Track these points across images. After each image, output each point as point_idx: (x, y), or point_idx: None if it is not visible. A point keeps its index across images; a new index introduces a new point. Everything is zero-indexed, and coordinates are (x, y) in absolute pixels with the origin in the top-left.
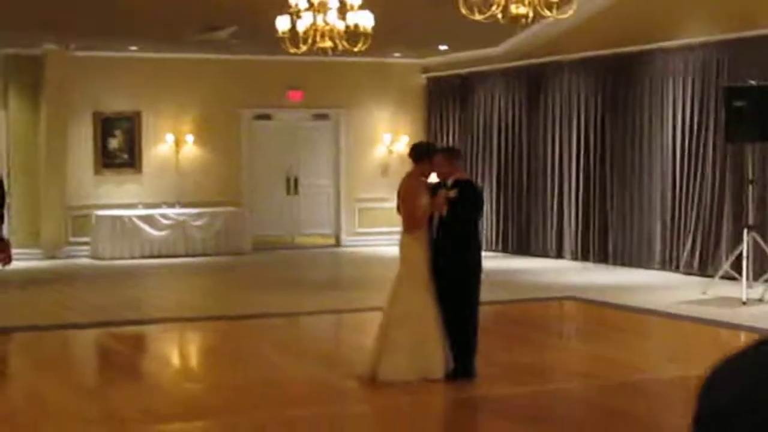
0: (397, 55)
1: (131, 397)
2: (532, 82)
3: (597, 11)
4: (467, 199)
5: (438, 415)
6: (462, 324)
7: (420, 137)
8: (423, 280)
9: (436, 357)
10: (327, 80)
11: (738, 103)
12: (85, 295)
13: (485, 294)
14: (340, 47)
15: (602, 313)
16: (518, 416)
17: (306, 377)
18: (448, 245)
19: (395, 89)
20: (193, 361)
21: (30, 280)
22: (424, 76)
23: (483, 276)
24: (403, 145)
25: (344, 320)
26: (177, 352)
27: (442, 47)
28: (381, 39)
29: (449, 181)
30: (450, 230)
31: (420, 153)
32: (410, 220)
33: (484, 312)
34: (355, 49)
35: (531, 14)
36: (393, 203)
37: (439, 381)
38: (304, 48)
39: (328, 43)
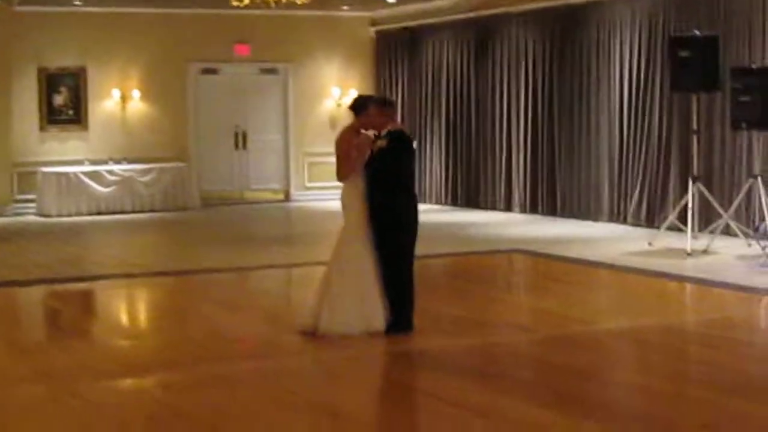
0: (345, 8)
1: (69, 354)
2: (480, 34)
3: None
4: (394, 147)
5: (375, 369)
6: (395, 275)
7: (369, 91)
8: (361, 231)
9: (375, 309)
10: (275, 34)
11: (683, 54)
12: (28, 252)
13: (430, 247)
14: (283, 0)
15: (547, 266)
16: (456, 370)
17: (248, 332)
18: (376, 194)
19: (344, 43)
20: (134, 317)
21: None
22: (372, 29)
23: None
24: (351, 98)
25: (291, 275)
26: (118, 309)
27: (390, 0)
28: None
29: (383, 132)
30: (378, 178)
31: (355, 105)
32: (339, 168)
33: (427, 265)
34: (299, 2)
35: None
36: None
37: (379, 334)
38: (246, 1)
39: None
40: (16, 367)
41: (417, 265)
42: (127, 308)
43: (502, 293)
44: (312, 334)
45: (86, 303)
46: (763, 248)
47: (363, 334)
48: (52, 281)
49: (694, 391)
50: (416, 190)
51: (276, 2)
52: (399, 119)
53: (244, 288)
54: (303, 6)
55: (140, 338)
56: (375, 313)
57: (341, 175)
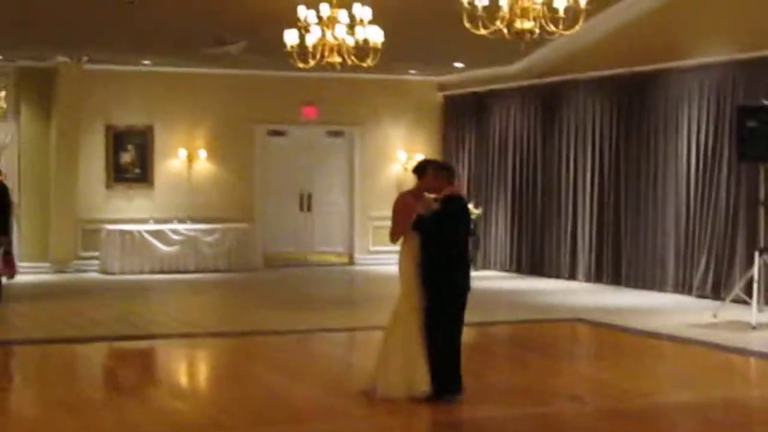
0: (412, 72)
1: (120, 414)
2: (547, 100)
3: (612, 29)
4: (446, 211)
5: None
6: (435, 341)
7: (435, 155)
8: (412, 295)
9: (418, 374)
10: (342, 97)
11: (750, 123)
12: (87, 309)
13: (491, 314)
14: (349, 62)
15: (609, 336)
16: None
17: (303, 396)
18: (427, 258)
19: (411, 107)
20: (189, 378)
21: (36, 294)
22: (440, 93)
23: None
24: None
25: (352, 339)
26: (173, 369)
27: (458, 65)
28: (394, 55)
29: (439, 197)
30: (430, 242)
31: (416, 168)
32: (392, 228)
33: (486, 332)
34: (364, 65)
35: (536, 29)
36: None
37: (424, 400)
38: (312, 63)
39: (337, 58)
40: (64, 425)
41: (476, 332)
42: (183, 369)
43: (559, 363)
44: (371, 396)
45: (141, 362)
46: None
47: (411, 400)
48: (109, 339)
49: None
50: (469, 257)
51: (341, 65)
52: (458, 185)
53: (303, 351)
54: (370, 70)
55: (194, 400)
56: (418, 378)
57: (392, 236)
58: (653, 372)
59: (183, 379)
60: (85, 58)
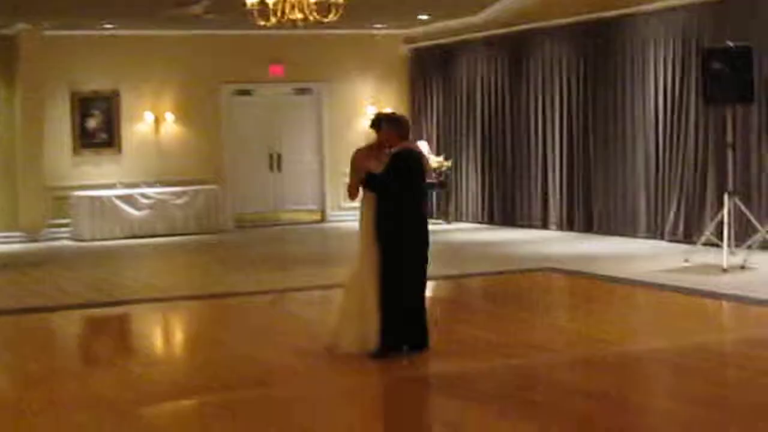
0: (378, 26)
1: (81, 382)
2: (514, 49)
3: None
4: (392, 166)
5: (387, 395)
6: (390, 298)
7: (403, 109)
8: (367, 251)
9: (372, 329)
10: (308, 54)
11: (716, 66)
12: (57, 277)
13: (462, 266)
14: (311, 18)
15: (579, 285)
16: (471, 394)
17: (266, 358)
18: (378, 215)
19: (378, 61)
20: (153, 343)
21: (7, 263)
22: (406, 47)
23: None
24: None
25: (324, 297)
26: (139, 334)
27: (422, 17)
28: (358, 10)
29: (391, 150)
30: (380, 200)
31: (371, 123)
32: (348, 185)
33: (458, 285)
34: (326, 20)
35: None
36: None
37: (373, 356)
38: (273, 20)
39: (299, 15)
40: (26, 396)
41: (447, 285)
42: (151, 334)
43: (530, 314)
44: (333, 353)
45: (109, 330)
46: None
47: (370, 357)
48: (77, 307)
49: (724, 415)
50: (425, 211)
51: (303, 21)
52: (412, 139)
53: (273, 312)
54: (336, 25)
55: (160, 365)
56: (371, 335)
57: (348, 193)
58: (625, 319)
59: (150, 345)
60: (46, 24)
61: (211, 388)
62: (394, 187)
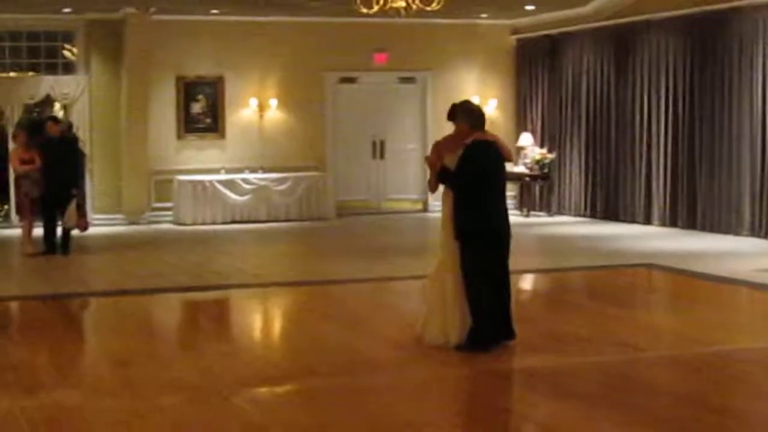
0: (484, 16)
1: (163, 366)
2: (620, 41)
3: None
4: (463, 161)
5: (467, 388)
6: (472, 292)
7: (508, 100)
8: (447, 241)
9: (454, 324)
10: (413, 42)
11: None
12: (153, 261)
13: (560, 260)
14: (413, 7)
15: (679, 282)
16: (555, 390)
17: (354, 347)
18: (453, 208)
19: (483, 51)
20: (243, 329)
21: (105, 246)
22: (512, 37)
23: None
24: (492, 107)
25: (419, 286)
26: (232, 321)
27: (529, 7)
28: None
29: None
30: (454, 194)
31: (448, 114)
32: (428, 182)
33: (553, 279)
34: (429, 9)
35: None
36: None
37: (459, 349)
38: (375, 8)
39: (401, 3)
40: (109, 378)
41: (542, 279)
42: (241, 321)
43: (626, 310)
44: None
45: (200, 315)
46: None
47: (451, 349)
48: (170, 291)
49: None
50: (500, 203)
51: (406, 9)
52: (489, 131)
53: (368, 301)
54: (441, 14)
55: (244, 352)
56: (455, 326)
57: (429, 188)
58: (721, 319)
59: (240, 331)
60: (153, 9)
61: (296, 375)
62: (465, 181)
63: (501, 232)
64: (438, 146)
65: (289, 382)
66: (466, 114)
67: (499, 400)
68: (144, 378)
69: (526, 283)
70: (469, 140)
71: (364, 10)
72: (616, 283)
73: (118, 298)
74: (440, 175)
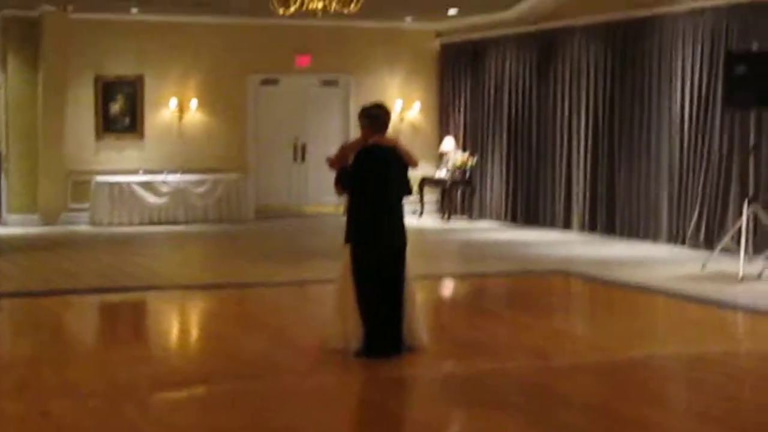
0: (408, 19)
1: (56, 370)
2: (543, 47)
3: None
4: (354, 164)
5: (361, 395)
6: (361, 298)
7: (432, 104)
8: (345, 249)
9: (353, 329)
10: (337, 45)
11: (739, 69)
12: (66, 262)
13: (472, 266)
14: (331, 9)
15: (591, 289)
16: (454, 397)
17: (252, 350)
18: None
19: (407, 55)
20: (143, 334)
21: (19, 247)
22: (437, 41)
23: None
24: (415, 111)
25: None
26: (132, 324)
27: (452, 11)
28: (388, 3)
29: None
30: (349, 198)
31: (358, 115)
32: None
33: (464, 285)
34: (346, 11)
35: None
36: None
37: (359, 355)
38: (292, 9)
39: (319, 4)
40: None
41: (453, 285)
42: (147, 323)
43: (532, 317)
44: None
45: (99, 318)
46: None
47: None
48: (80, 292)
49: (709, 429)
50: (391, 210)
51: (324, 11)
52: (385, 132)
53: (279, 303)
54: (365, 17)
55: (139, 358)
56: (353, 333)
57: (335, 190)
58: (628, 326)
59: (145, 335)
60: (71, 7)
61: (196, 380)
62: (352, 185)
63: (392, 241)
64: (343, 148)
65: (187, 387)
66: (366, 116)
67: (394, 405)
68: (37, 381)
69: (439, 288)
70: (372, 141)
71: (281, 11)
72: (528, 289)
73: (24, 299)
74: (337, 176)
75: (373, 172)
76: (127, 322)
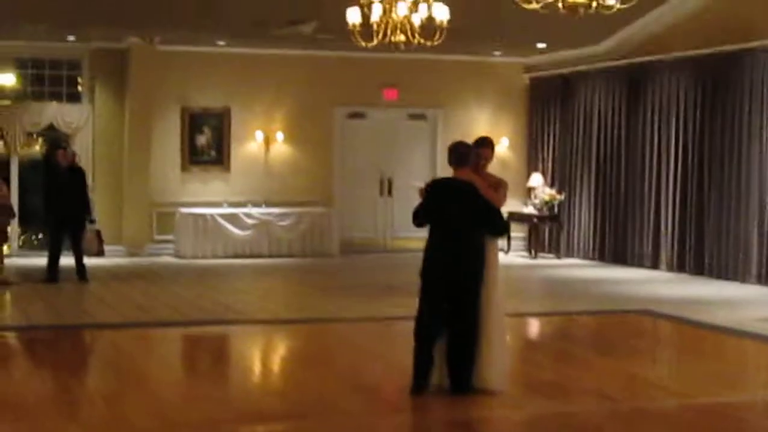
0: (497, 53)
1: (112, 405)
2: (632, 81)
3: (700, 7)
4: (424, 199)
5: None
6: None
7: (520, 139)
8: None
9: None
10: (424, 79)
11: None
12: (139, 294)
13: (555, 305)
14: (415, 42)
15: (670, 330)
16: None
17: (313, 388)
18: None
19: (496, 89)
20: (210, 368)
21: (104, 277)
22: (526, 75)
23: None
24: (503, 147)
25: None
26: (201, 358)
27: (540, 45)
28: (476, 36)
29: None
30: None
31: None
32: None
33: (543, 323)
34: (429, 44)
35: (592, 3)
36: None
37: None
38: (375, 42)
39: (401, 37)
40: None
41: (531, 323)
42: (203, 358)
43: (607, 358)
44: None
45: (173, 349)
46: None
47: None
48: (153, 325)
49: None
50: (448, 243)
51: (406, 44)
52: (468, 167)
53: (348, 340)
54: (453, 51)
55: (193, 392)
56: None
57: None
58: (705, 370)
59: (202, 369)
60: (158, 39)
61: (245, 418)
62: (419, 218)
63: (448, 275)
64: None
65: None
66: (450, 153)
67: None
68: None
69: (520, 327)
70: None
71: (363, 44)
72: (605, 329)
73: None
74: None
75: (434, 205)
76: (193, 357)
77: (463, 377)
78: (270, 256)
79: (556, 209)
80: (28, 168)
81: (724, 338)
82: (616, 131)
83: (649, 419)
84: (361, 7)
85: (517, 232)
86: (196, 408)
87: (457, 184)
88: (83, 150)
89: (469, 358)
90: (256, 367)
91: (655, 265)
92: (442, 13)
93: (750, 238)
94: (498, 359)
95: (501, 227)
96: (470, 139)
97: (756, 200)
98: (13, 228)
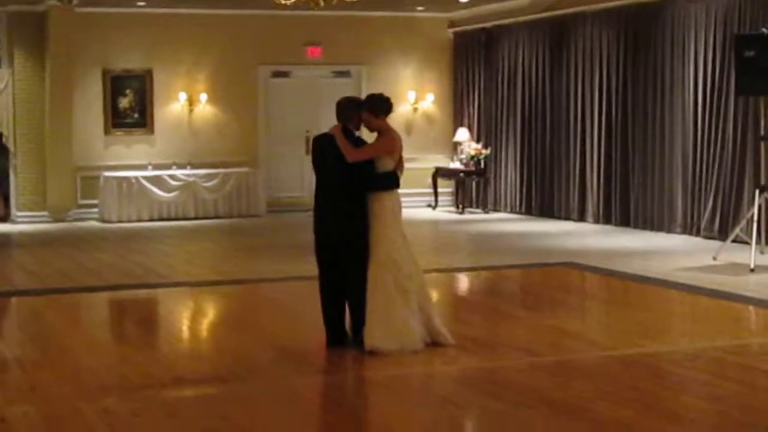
0: (420, 9)
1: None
2: (555, 34)
3: None
4: None
5: (334, 397)
6: None
7: (446, 94)
8: None
9: None
10: (348, 36)
11: (749, 53)
12: (64, 260)
13: (480, 259)
14: (333, 1)
15: (594, 282)
16: (422, 398)
17: (237, 351)
18: None
19: (420, 45)
20: (122, 332)
21: (27, 244)
22: (450, 30)
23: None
24: (428, 102)
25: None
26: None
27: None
28: None
29: None
30: None
31: None
32: None
33: (467, 278)
34: (351, 0)
35: None
36: (419, 163)
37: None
38: (291, 0)
39: None
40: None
41: (456, 278)
42: (132, 323)
43: (530, 311)
44: None
45: (95, 315)
46: None
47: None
48: (74, 290)
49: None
50: (318, 198)
51: (326, 0)
52: (345, 121)
53: (274, 300)
54: (376, 7)
55: (116, 357)
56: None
57: None
58: (630, 321)
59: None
60: (76, 1)
61: (166, 383)
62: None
63: (324, 229)
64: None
65: (153, 390)
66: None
67: (371, 408)
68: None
69: (447, 282)
70: None
71: (282, 2)
72: (531, 282)
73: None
74: None
75: (316, 159)
76: (115, 323)
77: (356, 335)
78: (196, 218)
79: (482, 164)
80: None
81: (649, 289)
82: (540, 85)
83: (572, 372)
84: None
85: (444, 187)
86: (116, 373)
87: (321, 139)
88: (3, 115)
89: (358, 316)
90: (179, 331)
91: (581, 218)
92: None
93: (674, 189)
94: (379, 319)
95: (350, 182)
96: (397, 95)
97: (679, 151)
98: None
